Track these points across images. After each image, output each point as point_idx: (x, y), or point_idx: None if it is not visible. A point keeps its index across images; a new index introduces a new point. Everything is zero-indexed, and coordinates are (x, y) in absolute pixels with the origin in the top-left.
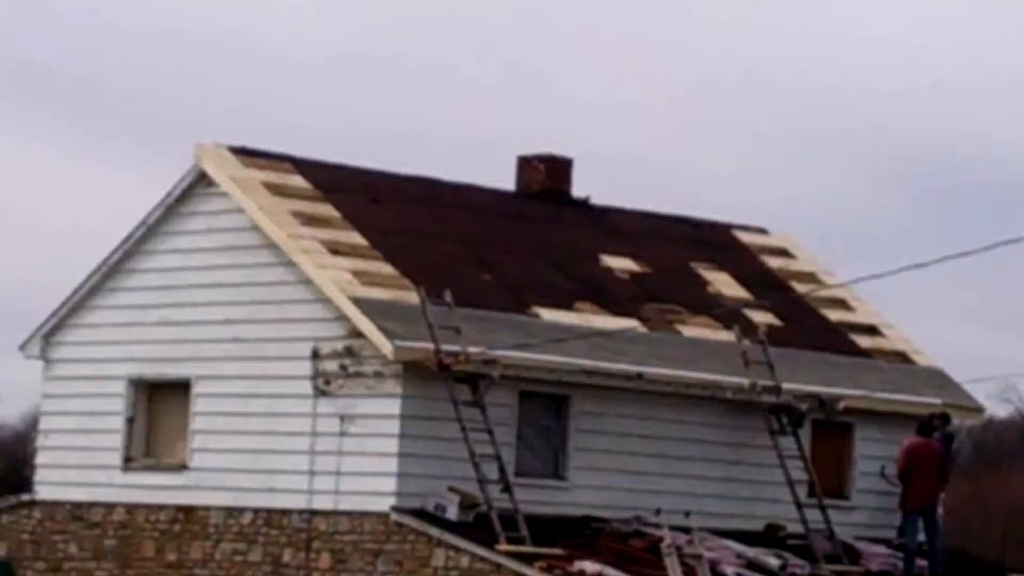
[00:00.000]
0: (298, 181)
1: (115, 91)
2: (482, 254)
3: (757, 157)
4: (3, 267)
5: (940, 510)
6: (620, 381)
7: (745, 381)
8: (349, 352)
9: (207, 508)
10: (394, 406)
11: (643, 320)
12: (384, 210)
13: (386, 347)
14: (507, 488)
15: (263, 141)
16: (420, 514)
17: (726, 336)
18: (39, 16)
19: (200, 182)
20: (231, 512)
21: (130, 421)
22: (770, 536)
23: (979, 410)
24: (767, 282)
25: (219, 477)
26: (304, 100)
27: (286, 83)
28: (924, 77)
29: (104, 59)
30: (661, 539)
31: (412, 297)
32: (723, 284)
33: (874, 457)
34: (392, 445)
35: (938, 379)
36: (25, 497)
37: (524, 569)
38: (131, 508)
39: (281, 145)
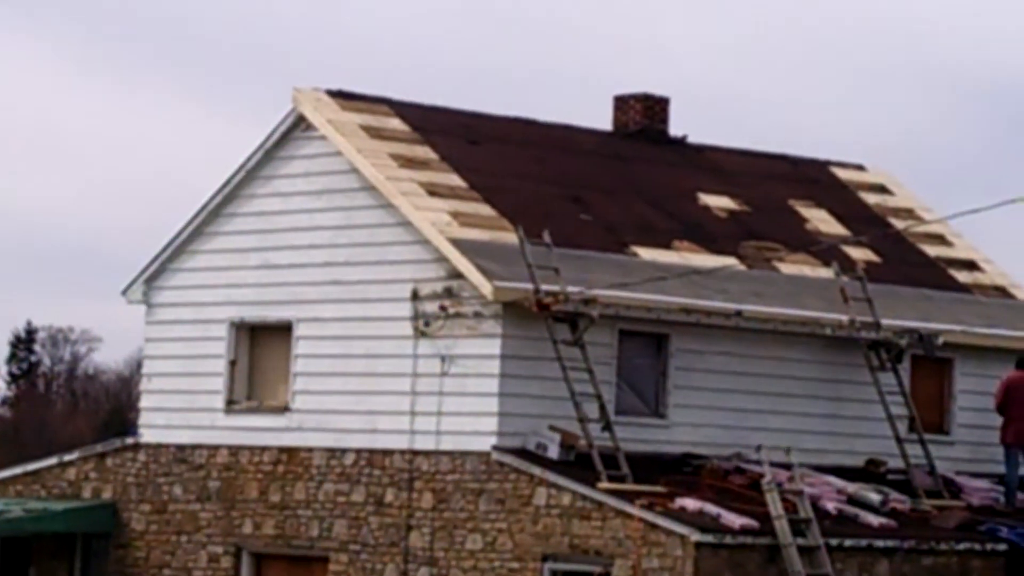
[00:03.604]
0: (395, 123)
1: (212, 38)
2: (580, 194)
3: (852, 93)
4: (105, 213)
5: None
6: (719, 319)
7: (844, 317)
8: (448, 293)
9: (310, 449)
10: (494, 346)
11: (741, 258)
12: (482, 151)
13: (485, 287)
14: (608, 426)
15: (360, 84)
16: (521, 453)
17: (825, 273)
18: None
19: (298, 126)
20: (333, 453)
21: (232, 364)
22: (871, 472)
23: None
24: (865, 218)
25: (321, 419)
26: (399, 44)
27: (381, 27)
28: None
29: (201, 5)
30: (762, 475)
31: (511, 238)
32: (821, 221)
33: (973, 392)
34: (492, 385)
35: None
36: (130, 440)
37: (625, 507)
38: (234, 450)
39: (378, 89)
